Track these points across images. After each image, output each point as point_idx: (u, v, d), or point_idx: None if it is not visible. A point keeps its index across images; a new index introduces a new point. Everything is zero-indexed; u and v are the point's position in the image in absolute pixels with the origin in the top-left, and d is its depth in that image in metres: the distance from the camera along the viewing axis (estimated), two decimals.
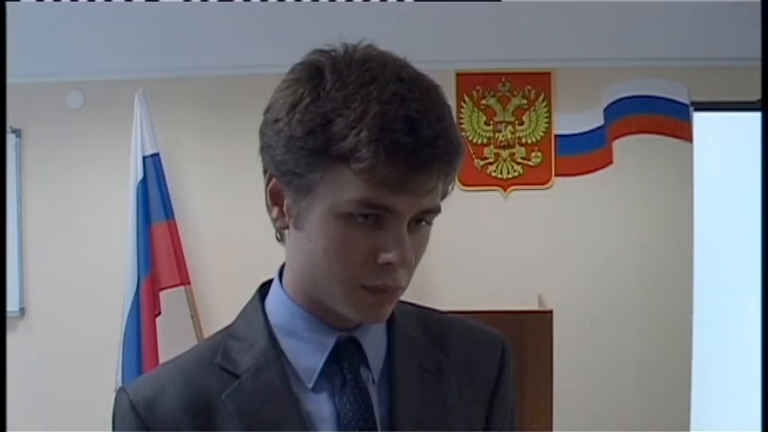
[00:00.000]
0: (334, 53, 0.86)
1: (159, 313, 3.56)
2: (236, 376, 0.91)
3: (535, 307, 3.19)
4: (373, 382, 0.93)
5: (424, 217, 0.87)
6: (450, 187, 0.89)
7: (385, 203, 0.83)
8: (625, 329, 3.70)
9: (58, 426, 3.62)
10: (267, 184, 0.90)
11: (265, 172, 0.90)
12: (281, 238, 0.94)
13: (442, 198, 0.88)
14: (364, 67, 0.83)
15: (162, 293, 3.58)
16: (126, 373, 3.42)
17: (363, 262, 0.85)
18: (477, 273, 3.67)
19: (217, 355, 0.93)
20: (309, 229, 0.87)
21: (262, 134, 0.88)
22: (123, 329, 3.48)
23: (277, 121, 0.85)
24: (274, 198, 0.90)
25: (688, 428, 3.55)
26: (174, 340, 3.45)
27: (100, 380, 3.45)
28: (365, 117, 0.80)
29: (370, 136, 0.80)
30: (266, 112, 0.88)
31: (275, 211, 0.90)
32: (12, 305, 3.67)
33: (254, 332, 0.94)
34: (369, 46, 0.87)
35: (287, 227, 0.90)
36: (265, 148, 0.88)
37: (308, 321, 0.93)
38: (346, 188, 0.82)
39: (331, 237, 0.85)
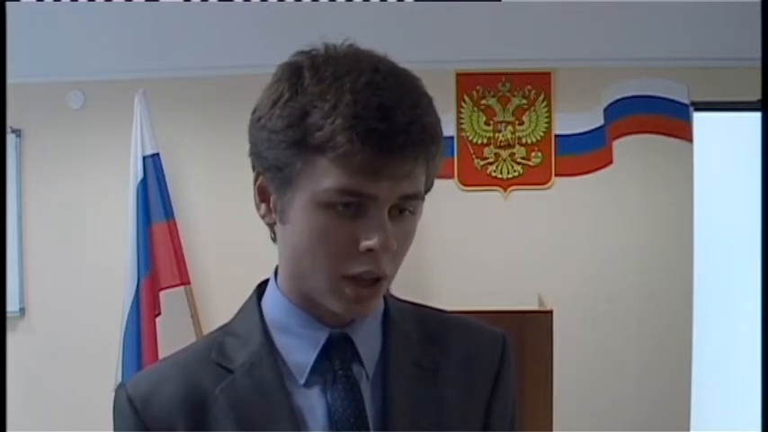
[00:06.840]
0: (314, 52, 0.88)
1: (159, 313, 3.57)
2: (231, 372, 0.92)
3: (535, 307, 3.19)
4: (367, 377, 0.94)
5: (405, 205, 0.87)
6: (433, 178, 0.90)
7: (363, 190, 0.84)
8: (625, 329, 3.70)
9: (58, 426, 3.62)
10: (255, 182, 0.92)
11: (254, 170, 0.92)
12: (274, 238, 0.95)
13: (427, 190, 0.90)
14: (341, 62, 0.86)
15: (162, 293, 3.58)
16: (126, 373, 3.42)
17: (346, 251, 0.86)
18: (477, 273, 3.67)
19: (213, 351, 0.95)
20: (293, 222, 0.89)
21: (249, 134, 0.91)
22: (123, 329, 3.48)
23: (260, 119, 0.88)
24: (261, 195, 0.92)
25: (688, 428, 3.55)
26: (174, 340, 3.44)
27: (100, 380, 3.44)
28: (339, 106, 0.82)
29: (344, 123, 0.82)
30: (252, 112, 0.90)
31: (263, 207, 0.93)
32: (12, 305, 3.67)
33: (249, 329, 0.96)
34: (350, 45, 0.89)
35: (275, 222, 0.92)
36: (252, 147, 0.90)
37: (301, 318, 0.94)
38: (324, 177, 0.84)
39: (313, 227, 0.86)
